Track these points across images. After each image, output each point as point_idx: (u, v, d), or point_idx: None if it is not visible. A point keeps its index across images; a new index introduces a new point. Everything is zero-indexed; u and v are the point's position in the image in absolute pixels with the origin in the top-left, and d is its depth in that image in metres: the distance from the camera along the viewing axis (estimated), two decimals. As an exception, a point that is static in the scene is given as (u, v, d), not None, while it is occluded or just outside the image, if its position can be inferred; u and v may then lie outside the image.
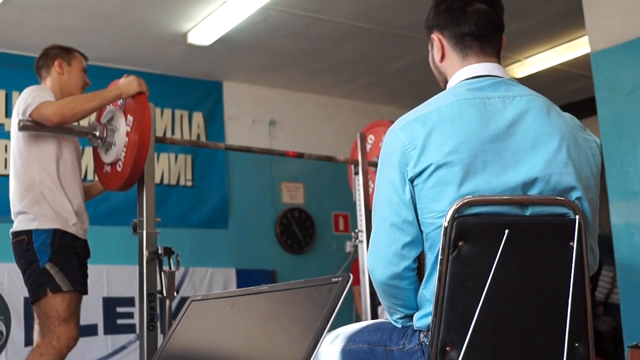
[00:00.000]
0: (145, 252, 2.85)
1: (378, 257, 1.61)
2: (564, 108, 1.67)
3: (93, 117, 3.20)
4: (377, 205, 1.64)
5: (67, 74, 3.15)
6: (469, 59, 1.68)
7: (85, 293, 3.10)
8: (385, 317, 1.76)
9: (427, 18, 1.76)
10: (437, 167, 1.51)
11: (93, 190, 3.35)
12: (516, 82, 1.66)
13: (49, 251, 2.88)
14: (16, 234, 2.96)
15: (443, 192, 1.51)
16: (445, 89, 1.77)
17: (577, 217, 1.50)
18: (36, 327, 3.11)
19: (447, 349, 1.46)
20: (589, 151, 1.61)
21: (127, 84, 2.92)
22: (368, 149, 3.78)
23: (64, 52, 3.20)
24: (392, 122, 1.66)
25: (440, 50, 1.72)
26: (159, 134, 5.29)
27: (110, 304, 4.98)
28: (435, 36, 1.72)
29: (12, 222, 4.84)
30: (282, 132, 6.21)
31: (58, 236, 2.92)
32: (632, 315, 3.45)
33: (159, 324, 2.86)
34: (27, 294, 4.58)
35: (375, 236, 1.63)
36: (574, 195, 1.55)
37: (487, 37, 1.67)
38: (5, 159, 4.92)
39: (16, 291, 4.67)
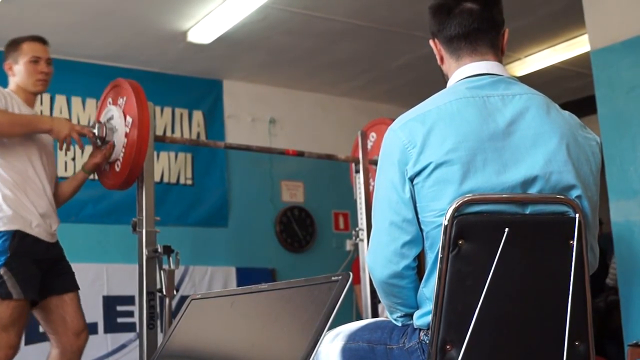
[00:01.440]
0: (145, 251, 2.85)
1: (378, 255, 1.61)
2: (564, 106, 1.67)
3: (93, 116, 3.19)
4: (376, 204, 1.64)
5: (17, 75, 2.98)
6: (462, 60, 1.68)
7: (39, 299, 2.90)
8: (385, 315, 1.76)
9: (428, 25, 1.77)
10: (437, 166, 1.51)
11: (64, 189, 3.14)
12: (516, 80, 1.66)
13: (5, 255, 2.76)
14: None
15: (443, 190, 1.51)
16: None
17: (577, 215, 1.50)
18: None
19: (447, 347, 1.46)
20: (588, 149, 1.61)
21: (60, 124, 2.85)
22: (370, 147, 3.78)
23: (10, 50, 3.02)
24: (394, 120, 1.66)
25: (438, 54, 1.74)
26: (159, 132, 5.29)
27: (110, 303, 4.98)
28: (432, 41, 1.75)
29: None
30: (282, 131, 6.21)
31: (17, 239, 2.80)
32: (632, 314, 3.45)
33: (159, 322, 2.86)
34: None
35: (375, 235, 1.63)
36: (574, 193, 1.55)
37: (474, 36, 1.66)
38: (5, 158, 4.91)
39: (16, 290, 4.67)
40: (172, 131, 5.65)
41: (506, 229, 1.46)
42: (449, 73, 1.73)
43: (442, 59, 1.74)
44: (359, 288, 5.19)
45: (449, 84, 1.71)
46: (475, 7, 1.65)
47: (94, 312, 4.90)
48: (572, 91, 6.23)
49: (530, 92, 1.63)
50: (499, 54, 1.70)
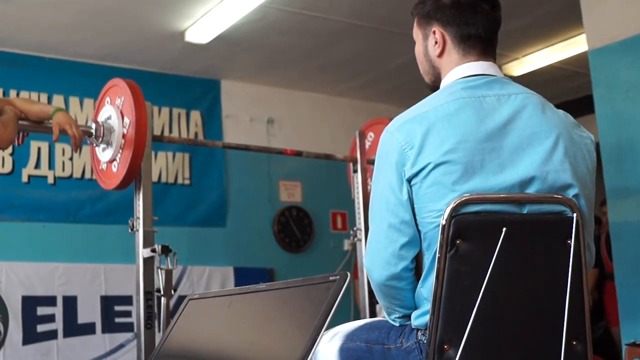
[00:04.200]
0: (142, 251, 2.85)
1: (376, 258, 1.61)
2: (562, 106, 1.67)
3: (91, 116, 3.18)
4: (374, 206, 1.63)
5: None
6: (468, 57, 1.67)
7: None
8: (383, 315, 1.76)
9: (422, 5, 1.71)
10: (435, 167, 1.51)
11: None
12: (510, 80, 1.66)
13: None
14: None
15: (441, 191, 1.51)
16: (430, 83, 1.76)
17: (575, 214, 1.50)
18: None
19: (445, 346, 1.46)
20: (584, 148, 1.62)
21: None
22: (368, 147, 3.78)
23: None
24: (391, 120, 1.66)
25: (440, 45, 1.69)
26: (157, 132, 5.28)
27: (108, 303, 4.98)
28: (437, 30, 1.68)
29: (7, 220, 4.86)
30: (280, 131, 6.21)
31: None
32: (630, 313, 3.46)
33: (156, 322, 2.86)
34: (25, 292, 4.65)
35: (373, 237, 1.62)
36: (571, 192, 1.55)
37: (490, 40, 1.68)
38: (3, 158, 4.91)
39: (14, 290, 4.67)
40: (170, 131, 5.65)
41: (504, 229, 1.46)
42: (445, 68, 1.70)
43: (442, 51, 1.69)
44: (357, 284, 5.19)
45: (444, 82, 1.70)
46: (491, 9, 1.67)
47: (91, 312, 4.91)
48: (570, 91, 6.23)
49: (526, 92, 1.63)
50: (495, 56, 1.72)
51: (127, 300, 4.94)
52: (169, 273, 2.85)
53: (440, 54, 1.70)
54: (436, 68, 1.73)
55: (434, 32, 1.69)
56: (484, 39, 1.67)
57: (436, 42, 1.69)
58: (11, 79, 5.03)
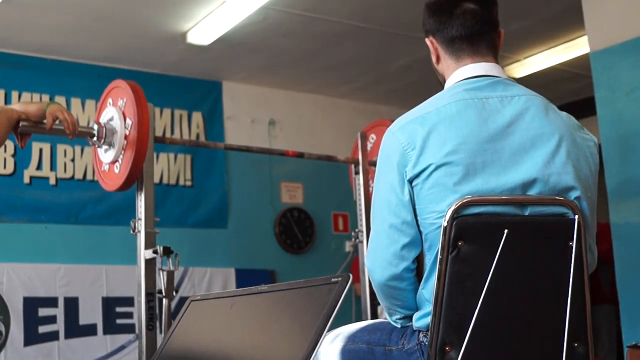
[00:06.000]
0: (144, 252, 2.85)
1: (377, 258, 1.61)
2: (563, 108, 1.67)
3: (93, 117, 3.18)
4: (375, 207, 1.64)
5: None
6: (463, 61, 1.68)
7: None
8: (384, 316, 1.76)
9: (422, 23, 1.76)
10: (437, 168, 1.51)
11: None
12: (514, 82, 1.66)
13: None
14: None
15: (442, 192, 1.51)
16: None
17: (577, 216, 1.50)
18: None
19: (447, 348, 1.46)
20: (587, 150, 1.62)
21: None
22: (369, 148, 3.78)
23: None
24: (393, 122, 1.66)
25: (434, 53, 1.73)
26: (158, 133, 5.28)
27: (109, 304, 4.98)
28: (428, 40, 1.73)
29: (8, 222, 4.87)
30: (282, 132, 6.21)
31: None
32: (632, 315, 3.45)
33: (158, 323, 2.86)
34: (26, 294, 4.66)
35: (374, 237, 1.63)
36: (573, 194, 1.55)
37: (477, 37, 1.67)
38: (5, 159, 4.92)
39: (15, 291, 4.67)
40: (172, 132, 5.65)
41: (505, 230, 1.47)
42: (445, 73, 1.72)
43: (438, 58, 1.73)
44: (358, 287, 5.19)
45: (447, 84, 1.70)
46: (476, 7, 1.66)
47: (93, 314, 4.91)
48: (571, 93, 6.23)
49: (529, 94, 1.63)
50: (497, 54, 1.71)
51: (129, 301, 4.94)
52: (170, 274, 2.85)
53: (437, 61, 1.74)
54: (441, 75, 1.76)
55: (428, 43, 1.74)
56: (466, 37, 1.66)
57: (432, 52, 1.73)
58: (13, 81, 5.03)
